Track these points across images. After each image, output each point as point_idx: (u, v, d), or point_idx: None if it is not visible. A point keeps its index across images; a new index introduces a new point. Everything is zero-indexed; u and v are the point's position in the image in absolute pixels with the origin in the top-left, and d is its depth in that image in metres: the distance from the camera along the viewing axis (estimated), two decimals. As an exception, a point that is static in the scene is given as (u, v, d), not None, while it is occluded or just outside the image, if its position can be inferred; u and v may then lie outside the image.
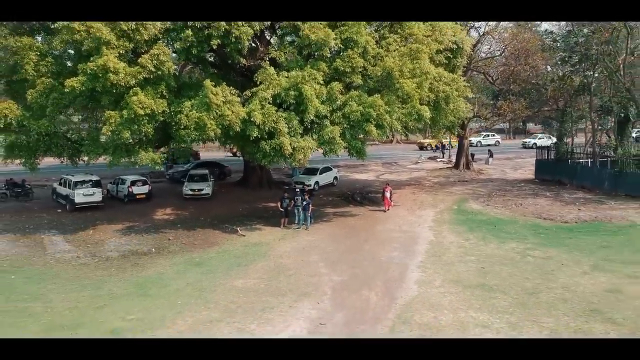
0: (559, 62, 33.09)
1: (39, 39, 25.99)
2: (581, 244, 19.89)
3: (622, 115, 33.72)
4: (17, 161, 24.47)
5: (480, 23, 36.01)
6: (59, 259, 18.90)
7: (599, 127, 33.98)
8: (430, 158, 46.94)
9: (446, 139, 45.82)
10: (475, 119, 41.47)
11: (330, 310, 13.73)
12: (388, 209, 25.97)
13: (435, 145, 52.45)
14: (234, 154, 40.88)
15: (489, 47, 37.54)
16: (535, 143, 54.45)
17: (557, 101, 36.06)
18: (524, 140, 61.11)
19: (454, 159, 42.34)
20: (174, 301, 14.34)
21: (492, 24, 35.58)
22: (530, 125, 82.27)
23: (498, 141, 60.22)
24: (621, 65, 28.94)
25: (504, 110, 38.26)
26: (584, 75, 31.87)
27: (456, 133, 34.92)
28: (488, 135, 58.64)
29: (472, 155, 41.93)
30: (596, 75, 31.24)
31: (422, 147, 56.26)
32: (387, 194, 26.29)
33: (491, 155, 44.12)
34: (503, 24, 36.41)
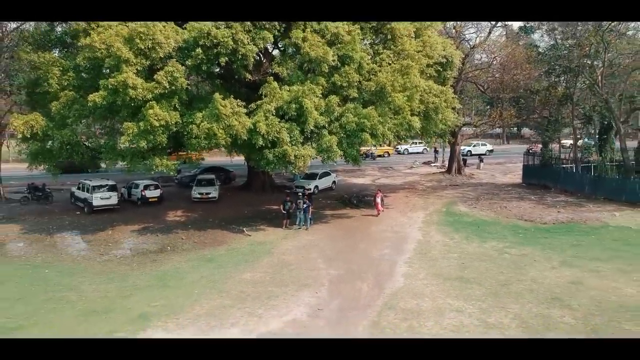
0: (544, 74, 35.19)
1: (56, 52, 28.28)
2: (555, 243, 22.00)
3: (605, 123, 35.93)
4: (41, 167, 26.63)
5: (470, 36, 38.11)
6: (85, 256, 21.05)
7: (582, 135, 36.06)
8: (424, 163, 49.08)
9: (439, 145, 47.73)
10: (465, 127, 43.48)
11: (327, 299, 15.86)
12: (379, 214, 27.79)
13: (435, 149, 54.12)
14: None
15: (479, 58, 39.60)
16: (469, 151, 53.32)
17: (544, 109, 38.23)
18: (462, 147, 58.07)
19: (447, 164, 44.45)
20: (191, 291, 16.48)
21: (482, 36, 37.80)
22: (526, 130, 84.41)
23: (488, 150, 57.35)
24: (599, 78, 31.07)
25: (494, 118, 40.42)
26: (567, 86, 34.00)
27: (447, 140, 37.04)
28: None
29: (464, 160, 44.10)
30: (578, 86, 33.35)
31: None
32: (378, 200, 28.07)
33: (482, 160, 46.26)
34: (492, 37, 38.63)
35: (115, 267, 19.56)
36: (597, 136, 35.70)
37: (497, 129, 64.24)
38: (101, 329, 13.68)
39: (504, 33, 43.08)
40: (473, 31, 41.86)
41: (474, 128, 43.29)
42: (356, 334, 13.32)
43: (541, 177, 36.23)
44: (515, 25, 45.22)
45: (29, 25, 30.83)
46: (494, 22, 40.61)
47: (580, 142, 37.92)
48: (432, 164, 48.01)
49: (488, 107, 55.47)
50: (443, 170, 43.45)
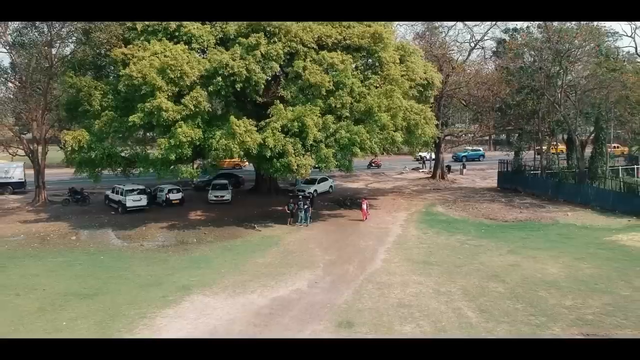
0: (515, 92, 40.18)
1: (89, 74, 33.05)
2: (508, 236, 27.07)
3: (570, 135, 40.95)
4: (85, 174, 31.69)
5: (455, 55, 43.07)
6: (128, 246, 26.16)
7: (549, 145, 41.13)
8: (413, 169, 54.15)
9: (426, 153, 52.70)
10: (448, 136, 48.57)
11: (322, 276, 20.93)
12: (365, 218, 31.48)
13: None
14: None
15: (461, 77, 44.54)
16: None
17: (517, 122, 43.33)
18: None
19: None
20: (219, 270, 21.57)
21: (460, 59, 42.85)
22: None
23: (481, 155, 61.87)
24: (560, 96, 36.14)
25: (475, 129, 45.51)
26: (533, 103, 39.05)
27: (431, 149, 42.01)
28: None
29: (448, 167, 49.20)
30: (543, 103, 38.39)
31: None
32: (364, 206, 31.92)
33: (464, 166, 51.34)
34: (472, 57, 43.75)
35: (155, 254, 24.66)
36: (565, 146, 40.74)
37: (485, 136, 69.34)
38: (156, 294, 18.76)
39: (483, 54, 48.27)
40: (456, 50, 46.70)
41: (455, 138, 48.36)
42: (342, 298, 18.35)
43: (513, 182, 41.32)
44: (489, 48, 50.40)
45: (68, 49, 35.72)
46: (474, 44, 45.86)
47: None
48: (420, 170, 53.10)
49: (469, 119, 60.80)
50: (429, 175, 48.52)
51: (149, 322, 16.33)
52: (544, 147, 40.29)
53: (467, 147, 60.17)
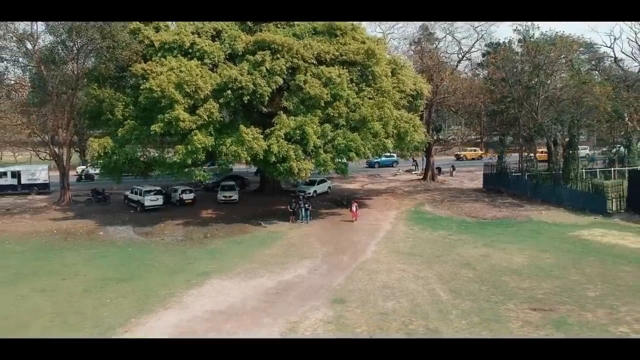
0: (498, 101, 43.74)
1: (109, 86, 36.53)
2: (485, 232, 30.66)
3: (552, 140, 44.53)
4: (108, 177, 35.33)
5: (440, 69, 46.69)
6: (151, 240, 29.80)
7: (530, 149, 44.77)
8: (407, 171, 57.72)
9: (419, 156, 56.30)
10: (440, 141, 52.25)
11: (320, 264, 24.53)
12: (355, 220, 33.73)
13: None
14: None
15: (450, 86, 48.14)
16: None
17: (501, 128, 46.94)
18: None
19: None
20: (232, 260, 25.19)
21: (448, 71, 46.43)
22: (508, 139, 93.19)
23: (454, 167, 60.55)
24: (537, 106, 39.72)
25: (462, 133, 49.12)
26: (514, 111, 42.65)
27: (421, 153, 45.54)
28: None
29: (439, 168, 52.82)
30: (523, 111, 41.97)
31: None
32: (354, 208, 34.71)
33: (454, 168, 54.94)
34: (460, 67, 47.43)
35: (175, 247, 28.29)
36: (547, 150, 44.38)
37: (477, 139, 73.10)
38: (180, 279, 22.36)
39: (470, 65, 51.99)
40: (446, 61, 50.32)
41: (444, 143, 52.03)
42: (336, 282, 21.93)
43: (497, 183, 44.84)
44: (475, 59, 54.18)
45: (90, 63, 39.19)
46: (461, 56, 49.52)
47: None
48: (413, 172, 56.69)
49: (463, 123, 64.66)
50: (421, 177, 52.11)
51: (178, 299, 19.95)
52: (524, 151, 43.86)
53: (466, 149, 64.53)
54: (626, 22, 46.33)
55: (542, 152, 48.02)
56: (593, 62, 57.97)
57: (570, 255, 25.59)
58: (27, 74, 36.65)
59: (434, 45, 55.47)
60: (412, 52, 53.53)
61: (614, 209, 34.45)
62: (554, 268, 23.61)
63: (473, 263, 24.43)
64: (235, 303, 19.57)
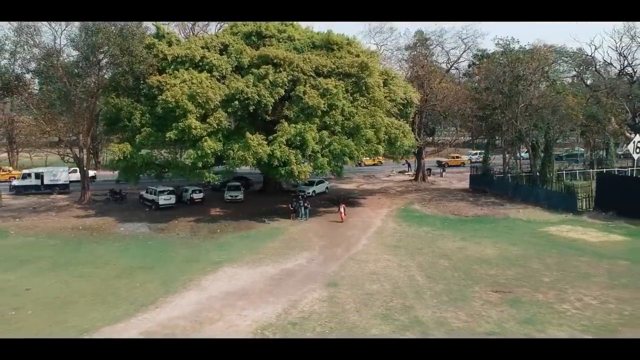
0: (483, 108, 47.43)
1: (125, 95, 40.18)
2: (464, 228, 34.38)
3: (534, 143, 48.19)
4: (127, 178, 39.07)
5: (430, 78, 50.40)
6: (168, 235, 33.53)
7: (512, 153, 48.49)
8: (400, 172, 61.46)
9: (412, 158, 60.05)
10: (430, 144, 56.00)
11: (317, 255, 28.25)
12: (342, 220, 36.41)
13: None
14: None
15: (437, 94, 51.84)
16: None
17: (488, 132, 50.64)
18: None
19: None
20: (240, 251, 28.93)
21: (437, 81, 50.15)
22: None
23: (444, 168, 62.78)
24: (517, 113, 43.40)
25: (451, 137, 52.81)
26: (497, 118, 46.34)
27: (413, 155, 49.15)
28: (477, 154, 63.51)
29: (429, 170, 56.56)
30: (505, 118, 45.64)
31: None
32: (341, 209, 37.69)
33: (444, 170, 58.69)
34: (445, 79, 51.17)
35: (189, 241, 32.03)
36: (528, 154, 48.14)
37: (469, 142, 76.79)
38: (197, 267, 26.07)
39: (458, 74, 55.74)
40: (436, 69, 54.06)
41: (434, 146, 55.83)
42: (331, 269, 25.63)
43: (482, 184, 48.52)
44: (463, 68, 58.00)
45: (108, 73, 42.84)
46: (450, 65, 53.23)
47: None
48: (406, 173, 60.42)
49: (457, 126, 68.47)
50: (413, 178, 55.84)
51: (197, 283, 23.69)
52: (507, 154, 47.63)
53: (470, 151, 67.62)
54: (606, 32, 49.80)
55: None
56: (577, 70, 61.83)
57: (536, 248, 29.30)
58: (52, 85, 40.14)
59: (429, 50, 59.31)
60: (406, 59, 57.45)
61: (584, 207, 38.14)
62: (519, 258, 27.31)
63: (450, 254, 28.13)
64: (245, 286, 23.29)
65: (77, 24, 38.65)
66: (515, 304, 20.89)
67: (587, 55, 59.37)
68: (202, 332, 18.31)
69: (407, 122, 42.56)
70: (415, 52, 56.97)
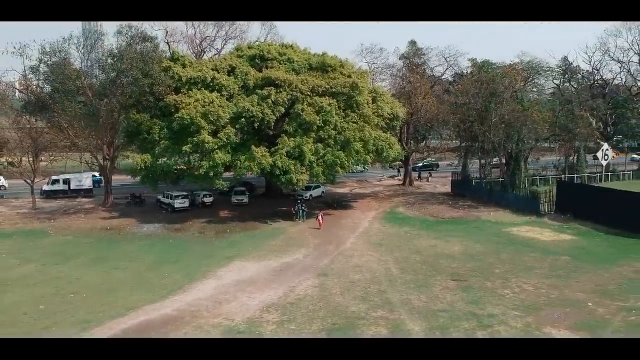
0: (463, 120, 52.97)
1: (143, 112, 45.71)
2: (440, 228, 39.96)
3: (510, 152, 53.69)
4: (147, 184, 44.70)
5: (417, 93, 55.99)
6: (185, 235, 39.17)
7: (488, 161, 54.09)
8: (390, 177, 67.03)
9: (401, 164, 65.62)
10: (415, 153, 61.47)
11: (312, 252, 33.85)
12: (320, 227, 39.87)
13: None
14: None
15: (422, 109, 57.42)
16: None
17: (467, 141, 56.17)
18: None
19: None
20: (248, 248, 34.55)
21: (421, 96, 55.72)
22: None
23: (431, 174, 67.48)
24: (491, 127, 48.93)
25: (437, 146, 58.45)
26: (474, 130, 51.85)
27: (399, 162, 54.77)
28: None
29: (418, 175, 62.15)
30: (481, 130, 51.14)
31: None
32: (320, 218, 40.52)
33: (431, 175, 64.27)
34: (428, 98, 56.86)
35: (204, 239, 37.68)
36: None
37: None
38: (213, 261, 31.66)
39: (441, 90, 61.37)
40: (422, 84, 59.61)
41: (420, 154, 61.45)
42: (323, 263, 31.21)
43: (462, 189, 54.08)
44: (446, 83, 63.62)
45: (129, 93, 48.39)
46: (433, 82, 58.82)
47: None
48: (396, 178, 65.99)
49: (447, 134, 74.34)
50: (401, 183, 61.41)
51: (214, 273, 29.29)
52: (483, 162, 53.26)
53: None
54: (580, 47, 54.97)
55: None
56: (556, 84, 67.32)
57: (496, 246, 34.85)
58: (80, 104, 45.65)
59: (422, 60, 64.79)
60: (396, 73, 63.10)
61: (546, 211, 43.70)
62: (480, 254, 32.87)
63: (422, 251, 33.72)
64: (253, 276, 28.90)
65: (100, 49, 44.28)
66: (467, 290, 26.43)
67: (572, 64, 64.76)
68: (222, 309, 23.91)
69: (394, 135, 48.09)
70: (409, 62, 62.30)
